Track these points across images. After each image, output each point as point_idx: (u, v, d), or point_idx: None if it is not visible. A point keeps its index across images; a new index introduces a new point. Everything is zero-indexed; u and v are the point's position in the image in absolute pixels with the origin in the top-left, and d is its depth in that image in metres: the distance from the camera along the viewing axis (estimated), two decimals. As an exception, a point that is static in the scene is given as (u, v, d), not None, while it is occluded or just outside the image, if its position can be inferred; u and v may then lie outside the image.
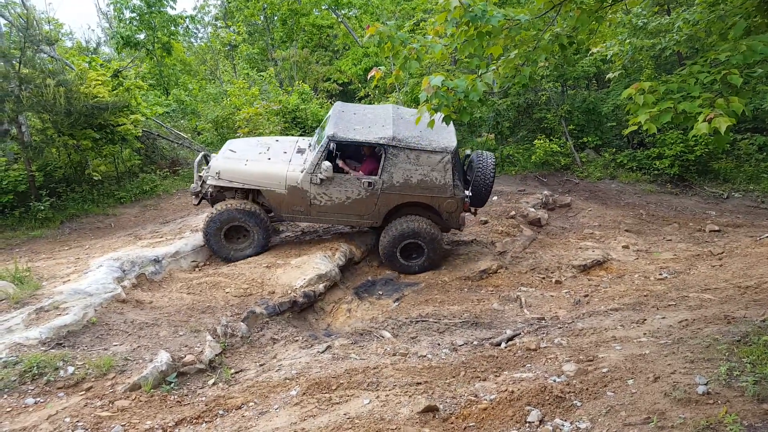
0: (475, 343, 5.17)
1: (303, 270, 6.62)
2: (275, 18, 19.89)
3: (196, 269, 7.00)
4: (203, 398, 4.12)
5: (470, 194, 7.20)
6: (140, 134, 11.24)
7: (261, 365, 4.84)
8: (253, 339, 5.37)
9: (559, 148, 12.63)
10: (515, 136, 14.21)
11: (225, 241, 7.11)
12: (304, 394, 4.02)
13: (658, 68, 13.49)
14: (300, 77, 17.14)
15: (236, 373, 4.67)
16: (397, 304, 6.54)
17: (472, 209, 7.63)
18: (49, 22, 18.57)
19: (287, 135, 14.15)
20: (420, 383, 4.16)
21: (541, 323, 5.50)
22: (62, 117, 9.55)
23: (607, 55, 6.77)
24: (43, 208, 9.11)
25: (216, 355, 4.79)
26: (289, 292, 6.15)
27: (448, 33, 4.08)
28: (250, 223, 7.05)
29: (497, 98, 13.57)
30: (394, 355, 4.84)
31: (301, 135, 14.72)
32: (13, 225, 9.04)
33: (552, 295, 6.45)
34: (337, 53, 19.29)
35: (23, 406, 3.79)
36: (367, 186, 6.99)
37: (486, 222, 9.02)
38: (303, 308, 6.14)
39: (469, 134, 14.67)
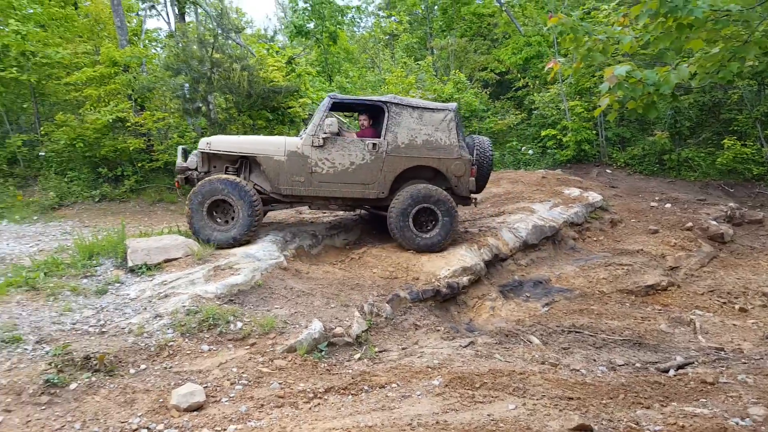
0: (638, 365, 4.68)
1: (448, 260, 6.56)
2: (436, 7, 19.95)
3: (347, 246, 7.31)
4: (350, 371, 4.27)
5: (475, 160, 6.84)
6: (306, 117, 12.07)
7: (403, 348, 4.89)
8: (396, 321, 5.44)
9: (751, 153, 10.93)
10: (696, 138, 12.61)
11: (208, 219, 6.32)
12: (447, 386, 3.96)
13: None
14: (456, 66, 16.99)
15: (380, 352, 4.77)
16: (546, 309, 6.18)
17: (472, 196, 7.17)
18: (236, 12, 20.73)
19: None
20: (572, 398, 3.86)
21: (720, 354, 4.79)
22: (244, 98, 10.62)
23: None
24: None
25: (363, 332, 4.95)
26: (433, 280, 6.13)
27: (640, 24, 3.67)
28: (233, 197, 6.28)
29: (678, 94, 12.11)
30: (543, 363, 4.56)
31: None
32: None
33: (735, 324, 5.59)
34: (496, 42, 18.73)
35: (199, 350, 4.26)
36: (371, 148, 6.58)
37: (656, 231, 8.13)
38: (445, 299, 6.09)
39: (639, 131, 13.38)
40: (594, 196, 9.48)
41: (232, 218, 6.38)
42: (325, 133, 6.50)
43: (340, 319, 4.99)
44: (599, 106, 3.97)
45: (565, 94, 13.40)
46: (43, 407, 3.50)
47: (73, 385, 3.71)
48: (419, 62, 16.94)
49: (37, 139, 12.42)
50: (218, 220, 6.46)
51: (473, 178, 6.85)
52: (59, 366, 3.80)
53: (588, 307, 6.06)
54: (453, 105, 6.90)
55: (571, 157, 13.13)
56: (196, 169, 6.84)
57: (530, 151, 14.04)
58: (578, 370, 4.41)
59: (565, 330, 5.46)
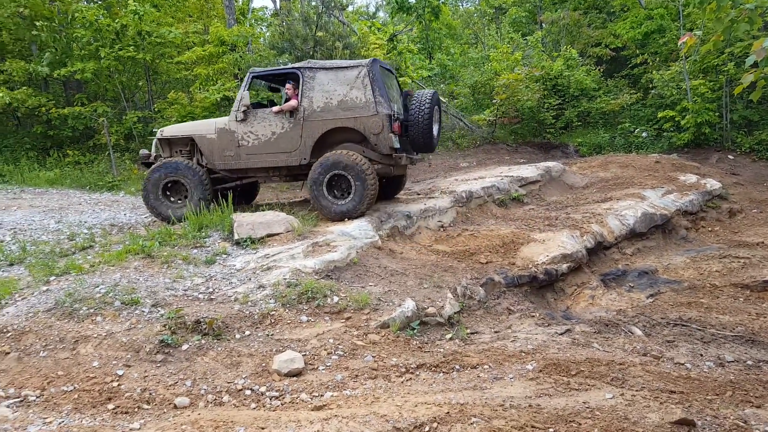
0: (749, 363, 4.32)
1: (547, 246, 6.38)
2: (548, -22, 18.87)
3: (441, 229, 7.31)
4: (441, 350, 4.33)
5: (398, 114, 6.62)
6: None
7: (496, 332, 4.86)
8: (489, 305, 5.41)
9: None
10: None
11: (163, 198, 7.09)
12: (541, 371, 3.90)
13: None
14: (568, 41, 16.03)
15: (472, 333, 4.79)
16: (651, 300, 5.83)
17: (415, 156, 7.33)
18: (340, -13, 20.91)
19: (545, 102, 13.51)
20: (674, 392, 3.65)
21: None
22: (344, 77, 10.80)
23: None
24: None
25: (455, 313, 4.98)
26: (530, 266, 6.00)
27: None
28: (186, 178, 6.97)
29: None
30: (645, 355, 4.34)
31: (559, 104, 13.92)
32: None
33: None
34: (613, 15, 17.37)
35: (299, 321, 4.53)
36: (289, 116, 6.77)
37: (784, 222, 7.32)
38: (542, 285, 5.95)
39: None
40: (712, 184, 8.74)
41: (185, 197, 7.10)
42: (241, 108, 6.87)
43: (433, 300, 5.06)
44: (741, 83, 3.65)
45: (688, 73, 12.24)
46: (158, 365, 3.87)
47: (184, 346, 4.08)
48: (527, 38, 16.21)
49: (151, 116, 13.34)
50: (173, 199, 7.15)
51: (394, 135, 6.57)
52: (173, 328, 4.17)
53: (697, 300, 5.64)
54: (369, 60, 6.80)
55: (690, 141, 12.04)
56: (159, 156, 7.48)
57: (644, 134, 13.06)
58: (683, 364, 4.15)
59: (670, 323, 5.13)
